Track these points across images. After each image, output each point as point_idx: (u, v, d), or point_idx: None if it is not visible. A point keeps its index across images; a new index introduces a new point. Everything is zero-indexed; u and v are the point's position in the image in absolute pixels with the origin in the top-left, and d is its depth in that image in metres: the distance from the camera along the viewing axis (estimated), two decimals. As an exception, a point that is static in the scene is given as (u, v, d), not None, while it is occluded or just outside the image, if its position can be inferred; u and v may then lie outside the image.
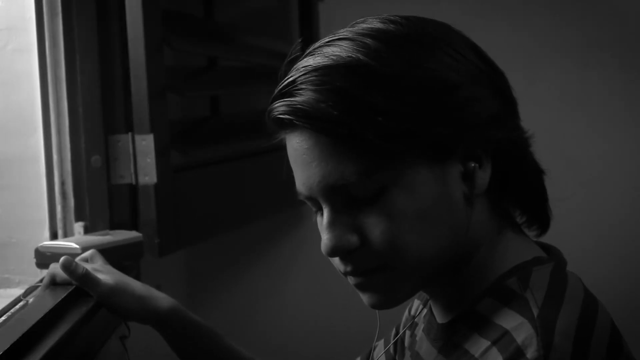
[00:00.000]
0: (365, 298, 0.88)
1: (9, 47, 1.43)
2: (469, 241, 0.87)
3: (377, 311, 0.96)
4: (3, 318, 1.13)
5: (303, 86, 0.84)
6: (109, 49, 1.50)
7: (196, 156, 1.70)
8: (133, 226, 1.52)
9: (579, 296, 0.84)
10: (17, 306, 1.20)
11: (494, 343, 0.80)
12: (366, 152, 0.81)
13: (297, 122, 0.83)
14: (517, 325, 0.80)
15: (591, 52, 2.41)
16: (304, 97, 0.83)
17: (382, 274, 0.85)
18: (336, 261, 0.87)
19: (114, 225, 1.51)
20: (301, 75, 0.85)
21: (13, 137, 1.44)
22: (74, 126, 1.47)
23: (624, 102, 2.41)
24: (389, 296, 0.87)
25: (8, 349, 0.96)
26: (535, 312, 0.80)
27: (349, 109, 0.80)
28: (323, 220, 0.86)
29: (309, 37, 2.24)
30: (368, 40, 0.83)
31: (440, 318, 0.93)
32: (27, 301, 1.21)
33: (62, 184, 1.47)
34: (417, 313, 1.07)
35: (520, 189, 0.91)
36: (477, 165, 0.85)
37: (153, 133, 1.49)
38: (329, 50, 0.85)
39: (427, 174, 0.84)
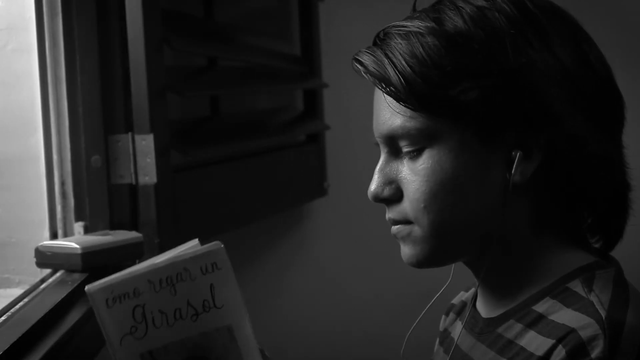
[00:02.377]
0: (401, 249, 0.93)
1: (9, 47, 1.43)
2: (504, 229, 0.88)
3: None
4: (3, 318, 1.13)
5: (384, 38, 0.89)
6: (109, 49, 1.50)
7: (196, 156, 1.70)
8: (133, 226, 1.52)
9: None
10: (17, 306, 1.20)
11: (559, 341, 0.80)
12: (413, 112, 0.86)
13: (364, 75, 0.89)
14: (584, 324, 0.80)
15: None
16: (377, 50, 0.88)
17: (409, 228, 0.90)
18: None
19: (114, 225, 1.51)
20: (387, 27, 0.90)
21: (13, 137, 1.44)
22: (74, 126, 1.47)
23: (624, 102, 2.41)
24: (412, 252, 0.91)
25: (8, 348, 0.96)
26: (603, 313, 0.81)
27: (401, 69, 0.85)
28: None
29: (309, 37, 2.24)
30: (455, 11, 0.87)
31: (486, 312, 0.94)
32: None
33: (62, 184, 1.47)
34: (451, 322, 1.07)
35: (585, 197, 0.90)
36: (521, 154, 0.86)
37: (153, 133, 1.49)
38: (416, 14, 0.90)
39: (469, 149, 0.86)
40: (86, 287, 0.85)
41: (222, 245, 0.86)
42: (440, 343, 1.05)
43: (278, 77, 2.10)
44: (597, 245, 0.94)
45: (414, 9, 0.92)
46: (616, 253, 0.95)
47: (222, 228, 1.81)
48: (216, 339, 0.87)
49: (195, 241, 0.93)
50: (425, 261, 0.91)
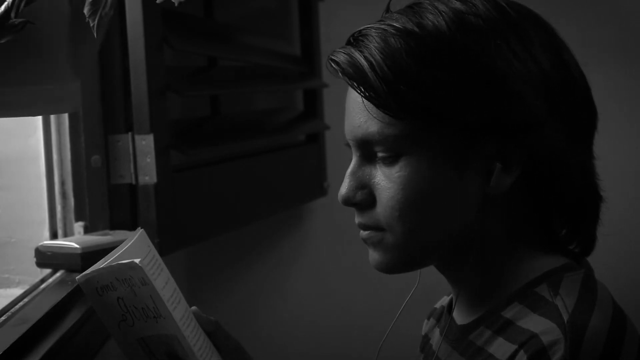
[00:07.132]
0: (369, 254, 0.91)
1: (9, 47, 1.43)
2: (479, 239, 0.87)
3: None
4: (3, 318, 1.13)
5: (362, 39, 0.87)
6: (109, 49, 1.50)
7: (196, 156, 1.70)
8: (133, 226, 1.52)
9: (609, 305, 0.84)
10: (17, 306, 1.20)
11: (521, 346, 0.80)
12: (392, 118, 0.84)
13: (340, 75, 0.87)
14: (546, 329, 0.79)
15: (591, 52, 2.41)
16: (355, 52, 0.86)
17: (381, 235, 0.88)
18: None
19: (114, 225, 1.51)
20: (365, 29, 0.87)
21: (13, 137, 1.44)
22: (74, 126, 1.47)
23: (624, 102, 2.41)
24: (383, 258, 0.89)
25: (8, 348, 0.96)
26: (566, 317, 0.80)
27: (382, 74, 0.83)
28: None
29: (309, 37, 2.24)
30: (435, 14, 0.85)
31: (460, 319, 0.93)
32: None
33: (62, 184, 1.47)
34: (430, 329, 1.06)
35: (561, 207, 0.89)
36: (500, 165, 0.85)
37: (153, 133, 1.49)
38: (394, 16, 0.88)
39: (448, 159, 0.85)
40: (77, 278, 0.86)
41: (139, 265, 0.85)
42: (421, 349, 1.04)
43: (278, 77, 2.09)
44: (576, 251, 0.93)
45: (388, 10, 0.90)
46: (592, 262, 0.94)
47: (222, 228, 1.81)
48: (173, 343, 0.88)
49: (139, 231, 0.93)
50: (395, 268, 0.90)
